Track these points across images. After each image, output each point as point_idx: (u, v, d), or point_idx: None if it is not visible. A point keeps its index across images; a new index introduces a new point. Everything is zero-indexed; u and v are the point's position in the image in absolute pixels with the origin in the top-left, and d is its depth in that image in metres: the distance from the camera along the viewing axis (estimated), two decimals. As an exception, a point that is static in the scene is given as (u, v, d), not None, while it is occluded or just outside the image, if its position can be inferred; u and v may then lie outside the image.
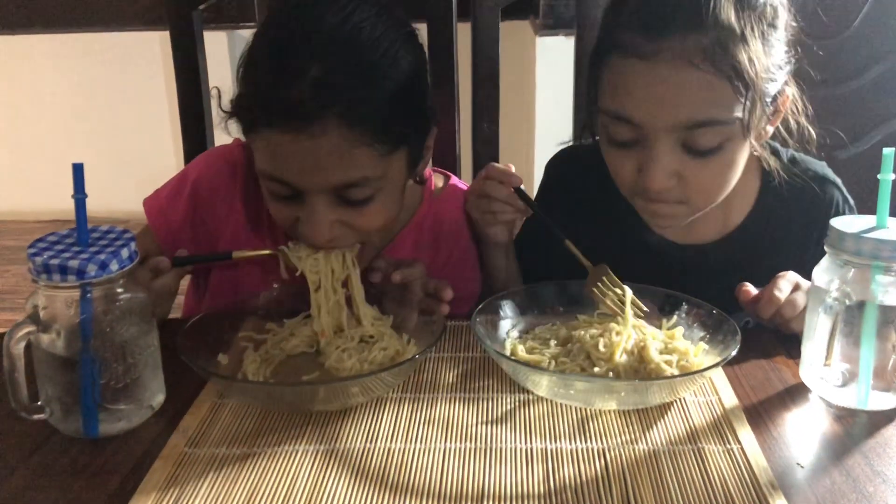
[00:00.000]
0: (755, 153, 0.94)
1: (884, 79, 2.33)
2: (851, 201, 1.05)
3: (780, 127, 0.97)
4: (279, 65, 0.83)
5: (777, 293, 0.88)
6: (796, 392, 0.83)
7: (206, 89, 1.44)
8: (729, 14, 0.83)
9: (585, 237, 0.96)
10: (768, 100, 0.89)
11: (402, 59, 0.87)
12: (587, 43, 1.45)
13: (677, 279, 0.95)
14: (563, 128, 1.48)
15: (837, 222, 0.79)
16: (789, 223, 1.03)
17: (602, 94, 0.91)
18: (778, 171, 1.00)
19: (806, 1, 2.29)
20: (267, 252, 0.92)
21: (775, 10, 0.87)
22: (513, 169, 1.00)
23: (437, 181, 1.13)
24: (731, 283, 0.92)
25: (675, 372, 0.81)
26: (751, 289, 0.90)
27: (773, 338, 0.94)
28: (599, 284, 0.91)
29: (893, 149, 0.77)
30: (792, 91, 0.94)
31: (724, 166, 0.90)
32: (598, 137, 0.98)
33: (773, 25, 0.87)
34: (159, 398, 0.81)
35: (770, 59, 0.87)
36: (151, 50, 3.24)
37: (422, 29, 1.32)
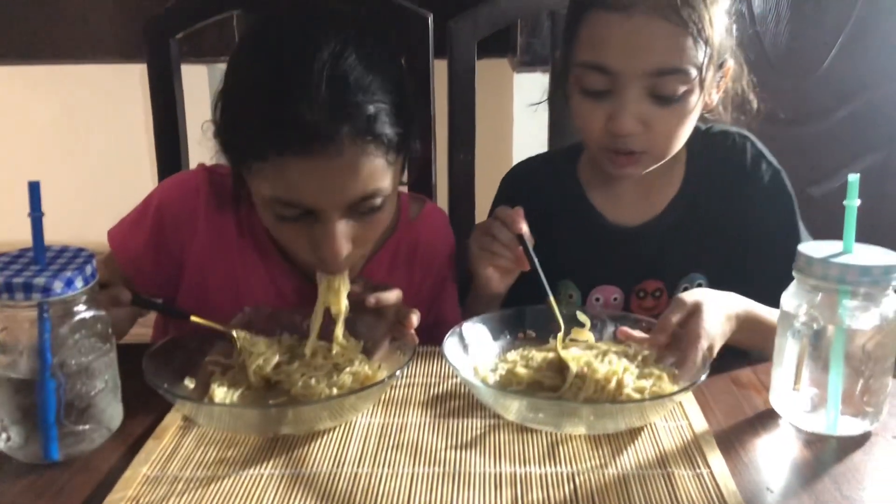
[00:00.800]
0: (706, 114, 1.06)
1: (853, 117, 2.38)
2: (773, 160, 1.14)
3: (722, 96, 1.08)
4: (287, 91, 0.83)
5: (665, 324, 0.89)
6: (766, 417, 0.83)
7: (183, 120, 1.44)
8: None
9: (543, 239, 1.00)
10: (718, 63, 1.01)
11: (395, 70, 0.90)
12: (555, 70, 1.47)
13: (632, 259, 1.06)
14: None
15: (805, 248, 0.80)
16: (716, 178, 1.13)
17: (578, 48, 1.01)
18: (699, 136, 1.11)
19: (777, 42, 2.35)
20: (222, 328, 0.90)
21: None
22: (522, 217, 0.99)
23: (414, 204, 1.14)
24: (684, 246, 1.08)
25: (646, 397, 0.80)
26: (629, 331, 0.93)
27: (744, 363, 0.94)
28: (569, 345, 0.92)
29: (858, 175, 0.79)
30: (733, 62, 1.05)
31: (683, 116, 1.00)
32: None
33: None
34: (117, 420, 0.80)
35: (722, 26, 0.99)
36: (131, 81, 3.24)
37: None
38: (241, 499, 0.69)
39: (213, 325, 0.90)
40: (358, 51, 0.85)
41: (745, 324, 0.93)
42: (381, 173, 0.87)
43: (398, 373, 0.81)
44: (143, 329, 1.06)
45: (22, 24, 3.24)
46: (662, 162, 1.05)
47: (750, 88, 1.09)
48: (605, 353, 0.87)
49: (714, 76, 1.01)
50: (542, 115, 1.52)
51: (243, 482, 0.71)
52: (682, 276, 1.11)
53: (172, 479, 0.72)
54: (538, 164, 1.23)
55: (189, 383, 0.86)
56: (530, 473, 0.72)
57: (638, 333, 0.92)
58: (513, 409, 0.78)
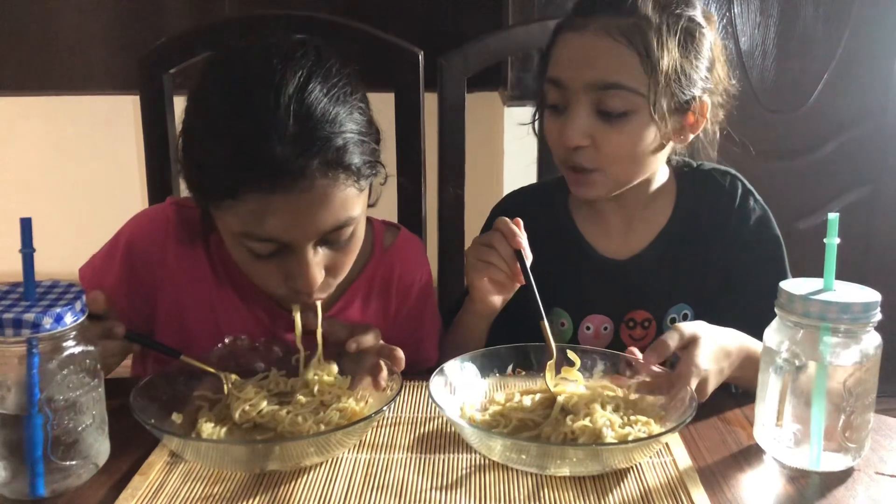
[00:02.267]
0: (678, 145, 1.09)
1: (840, 152, 2.41)
2: (760, 199, 1.16)
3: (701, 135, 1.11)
4: (254, 128, 0.83)
5: (661, 347, 0.89)
6: (750, 453, 0.84)
7: (175, 153, 1.46)
8: (647, 8, 1.01)
9: (534, 267, 1.00)
10: (682, 96, 1.03)
11: (357, 95, 0.91)
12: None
13: (620, 291, 1.09)
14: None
15: (787, 285, 0.81)
16: (704, 217, 1.14)
17: (548, 69, 1.07)
18: (688, 173, 1.16)
19: (764, 77, 2.38)
20: (212, 370, 0.91)
21: (700, 28, 1.04)
22: (522, 231, 1.01)
23: (388, 233, 1.15)
24: (670, 279, 1.11)
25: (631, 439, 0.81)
26: (636, 353, 0.94)
27: (729, 398, 0.95)
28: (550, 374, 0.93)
29: (837, 214, 0.80)
30: (710, 101, 1.07)
31: (631, 135, 1.03)
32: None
33: (692, 36, 1.03)
34: (104, 456, 0.80)
35: (686, 62, 1.02)
36: (124, 112, 3.26)
37: (389, 98, 1.36)
38: (226, 536, 0.69)
39: (202, 365, 0.90)
40: (322, 82, 0.86)
41: (744, 361, 0.94)
42: (352, 202, 0.89)
43: (384, 409, 0.81)
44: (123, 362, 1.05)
45: (15, 55, 3.26)
46: (625, 188, 1.08)
47: (718, 128, 1.12)
48: (590, 401, 0.87)
49: (674, 110, 1.03)
50: (532, 149, 1.54)
51: (229, 519, 0.71)
52: (669, 307, 1.13)
53: (158, 516, 0.72)
54: (529, 194, 1.26)
55: (176, 418, 0.86)
56: (515, 510, 0.72)
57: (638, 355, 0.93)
58: (496, 449, 0.79)
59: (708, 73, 1.06)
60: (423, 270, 1.17)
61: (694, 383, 0.86)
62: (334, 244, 0.91)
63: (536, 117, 1.17)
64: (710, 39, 1.06)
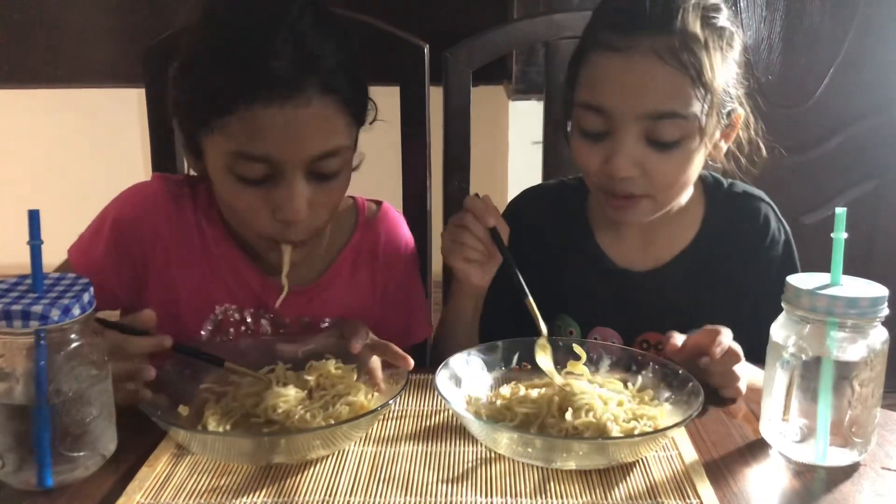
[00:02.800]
0: (710, 162, 1.05)
1: (845, 147, 2.40)
2: (785, 224, 1.13)
3: (732, 146, 1.08)
4: (256, 45, 0.88)
5: (721, 334, 0.90)
6: (756, 448, 0.84)
7: (179, 145, 1.46)
8: (695, 24, 0.95)
9: (543, 270, 0.99)
10: (724, 111, 0.99)
11: (353, 39, 0.96)
12: (555, 106, 1.49)
13: (633, 304, 1.04)
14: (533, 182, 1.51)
15: (794, 280, 0.81)
16: (730, 242, 1.10)
17: (579, 89, 1.01)
18: (719, 194, 1.11)
19: (769, 71, 2.38)
20: (257, 375, 0.90)
21: (732, 34, 1.00)
22: (493, 206, 1.01)
23: (371, 206, 1.16)
24: (685, 301, 1.05)
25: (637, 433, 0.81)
26: (677, 340, 0.93)
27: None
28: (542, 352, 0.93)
29: (845, 209, 0.80)
30: (744, 112, 1.04)
31: (682, 163, 0.99)
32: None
33: (730, 45, 0.99)
34: (111, 447, 0.80)
35: (727, 74, 0.98)
36: (129, 105, 3.26)
37: (394, 91, 1.36)
38: (233, 527, 0.69)
39: (247, 371, 0.90)
40: (318, 15, 0.93)
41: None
42: (342, 131, 0.93)
43: (391, 402, 0.81)
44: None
45: (21, 47, 3.26)
46: (666, 209, 1.04)
47: (760, 136, 1.08)
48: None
49: (718, 124, 1.00)
50: (538, 143, 1.54)
51: (236, 511, 0.72)
52: (682, 329, 1.02)
53: (165, 508, 0.72)
54: (548, 193, 1.22)
55: (183, 411, 0.86)
56: (521, 504, 0.73)
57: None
58: (502, 442, 0.79)
59: (741, 81, 1.02)
60: (407, 242, 1.18)
61: (728, 336, 0.88)
62: (320, 180, 0.93)
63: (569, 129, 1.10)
64: (741, 44, 1.02)
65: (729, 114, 1.01)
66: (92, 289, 0.78)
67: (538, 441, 0.77)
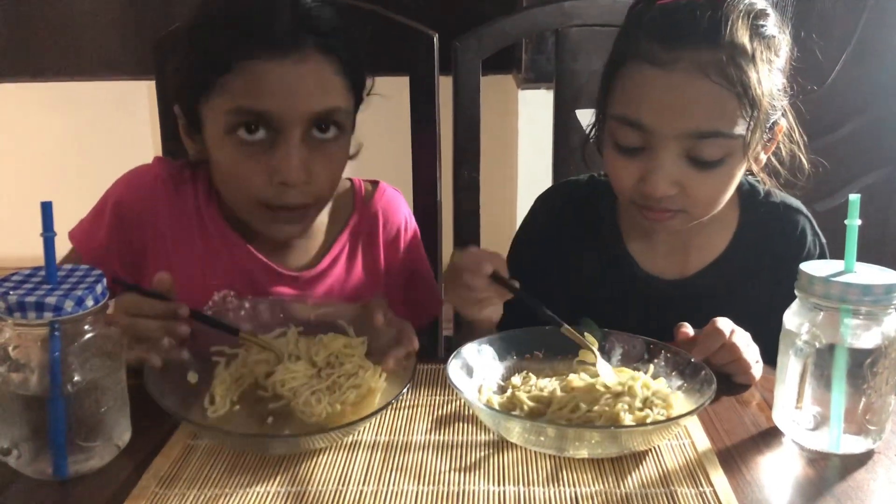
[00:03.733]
0: (748, 177, 1.01)
1: (857, 134, 2.39)
2: (822, 238, 1.09)
3: (772, 157, 1.04)
4: (254, 6, 0.92)
5: (719, 333, 0.90)
6: (769, 435, 0.84)
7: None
8: (743, 36, 0.90)
9: (570, 271, 0.97)
10: (768, 125, 0.95)
11: (354, 17, 1.00)
12: (565, 96, 1.49)
13: (659, 313, 0.98)
14: (544, 176, 1.50)
15: (807, 266, 0.81)
16: (764, 254, 1.06)
17: (614, 100, 0.97)
18: (755, 202, 1.06)
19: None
20: (269, 347, 0.89)
21: (780, 42, 0.95)
22: (487, 254, 0.97)
23: (368, 187, 1.17)
24: (713, 313, 0.93)
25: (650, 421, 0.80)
26: (689, 330, 0.92)
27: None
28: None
29: (859, 195, 0.79)
30: (786, 122, 1.00)
31: (723, 181, 0.95)
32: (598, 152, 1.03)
33: (777, 54, 0.94)
34: (126, 436, 0.81)
35: (773, 85, 0.94)
36: (139, 98, 3.27)
37: (404, 82, 1.36)
38: (247, 516, 0.70)
39: (260, 341, 0.89)
40: None
41: None
42: (339, 92, 0.95)
43: (393, 401, 0.81)
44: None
45: (30, 41, 3.27)
46: (701, 219, 1.01)
47: (802, 151, 1.04)
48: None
49: (761, 138, 0.95)
50: (547, 132, 1.54)
51: (250, 500, 0.72)
52: None
53: (181, 498, 0.72)
54: (579, 191, 1.17)
55: (192, 378, 0.86)
56: (534, 494, 0.73)
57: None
58: (514, 431, 0.79)
59: (786, 90, 0.98)
60: (409, 221, 1.18)
61: (725, 329, 0.88)
62: (319, 143, 0.95)
63: (593, 134, 1.07)
64: (787, 51, 0.97)
65: (772, 126, 0.97)
66: (105, 280, 0.78)
67: (550, 430, 0.77)
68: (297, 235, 1.05)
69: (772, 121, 0.96)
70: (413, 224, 1.19)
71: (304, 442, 0.77)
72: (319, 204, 1.02)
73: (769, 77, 0.93)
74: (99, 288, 0.77)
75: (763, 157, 1.01)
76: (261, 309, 0.97)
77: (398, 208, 1.18)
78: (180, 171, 1.07)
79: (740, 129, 0.91)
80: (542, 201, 1.19)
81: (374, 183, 1.18)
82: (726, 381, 0.91)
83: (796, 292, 0.81)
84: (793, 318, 0.81)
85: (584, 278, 1.04)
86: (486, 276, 0.93)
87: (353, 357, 0.88)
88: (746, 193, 1.08)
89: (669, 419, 0.79)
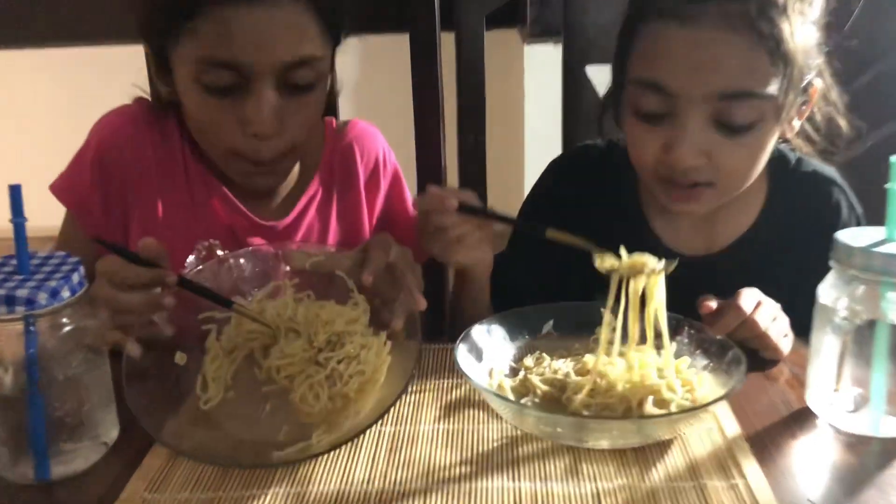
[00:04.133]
0: (778, 144, 0.92)
1: (876, 83, 2.29)
2: (859, 209, 1.01)
3: (806, 123, 0.95)
4: None
5: (738, 310, 0.83)
6: (802, 417, 0.78)
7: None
8: None
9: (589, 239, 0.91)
10: (802, 85, 0.87)
11: None
12: (575, 51, 1.40)
13: (683, 292, 0.89)
14: (552, 136, 1.43)
15: (844, 235, 0.74)
16: (795, 230, 0.99)
17: (633, 63, 0.89)
18: (785, 172, 0.97)
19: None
20: (264, 322, 0.80)
21: None
22: (450, 192, 0.90)
23: (339, 124, 1.10)
24: (744, 287, 0.86)
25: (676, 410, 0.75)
26: (712, 303, 0.86)
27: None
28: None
29: (899, 156, 0.72)
30: (821, 82, 0.91)
31: (755, 148, 0.87)
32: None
33: (811, 5, 0.86)
34: (113, 434, 0.75)
35: (807, 40, 0.85)
36: (136, 63, 3.19)
37: (403, 39, 1.28)
38: (243, 522, 0.65)
39: (254, 316, 0.81)
40: None
41: None
42: (314, 39, 0.89)
43: (394, 404, 0.75)
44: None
45: (25, 7, 3.18)
46: (730, 197, 0.94)
47: (841, 113, 0.95)
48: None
49: (795, 100, 0.88)
50: (555, 89, 1.46)
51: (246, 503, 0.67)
52: None
53: (172, 502, 0.67)
54: (597, 157, 1.08)
55: (180, 360, 0.80)
56: (551, 491, 0.67)
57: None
58: (529, 422, 0.73)
59: (822, 46, 0.88)
60: (387, 155, 1.11)
61: (749, 303, 0.81)
62: (294, 91, 0.89)
63: (609, 100, 0.97)
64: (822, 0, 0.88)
65: (805, 88, 0.89)
66: (82, 268, 0.72)
67: (566, 422, 0.72)
68: (274, 186, 1.01)
69: (806, 80, 0.88)
70: (393, 160, 1.12)
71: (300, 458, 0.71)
72: (295, 152, 0.97)
73: (803, 30, 0.84)
74: (76, 277, 0.71)
75: (797, 124, 0.92)
76: (250, 260, 0.89)
77: (374, 140, 1.10)
78: (164, 111, 1.00)
79: (773, 88, 0.83)
80: (554, 168, 1.12)
81: (346, 121, 1.12)
82: (752, 355, 0.85)
83: (832, 264, 0.75)
84: (829, 292, 0.75)
85: (601, 246, 0.95)
86: (453, 211, 0.87)
87: (355, 335, 0.79)
88: (776, 162, 0.98)
89: (696, 407, 0.73)
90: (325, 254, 0.87)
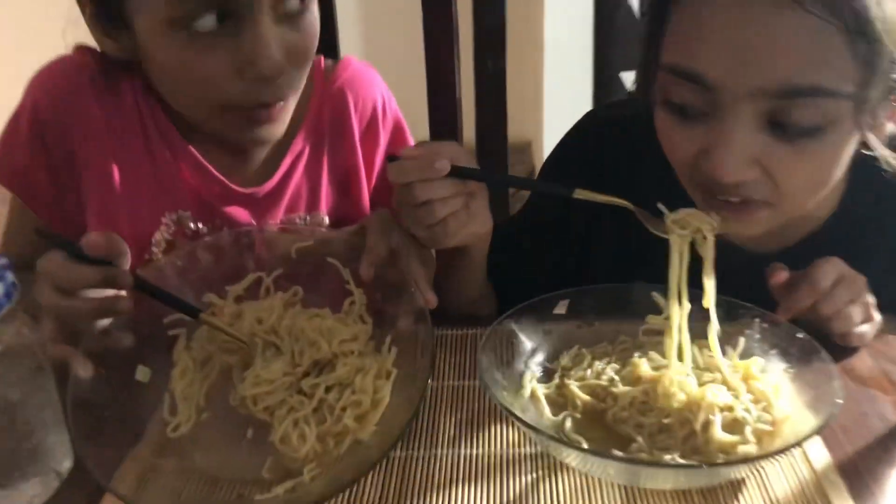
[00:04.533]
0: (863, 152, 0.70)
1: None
2: None
3: None
4: None
5: (813, 283, 0.69)
6: (902, 433, 0.64)
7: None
8: None
9: (617, 233, 0.74)
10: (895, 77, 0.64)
11: None
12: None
13: (741, 288, 0.72)
14: (575, 63, 1.24)
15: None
16: (873, 232, 0.80)
17: (667, 46, 0.68)
18: (868, 165, 0.73)
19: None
20: (240, 338, 0.67)
21: None
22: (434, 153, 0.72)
23: (329, 63, 0.92)
24: None
25: (752, 439, 0.60)
26: (783, 273, 0.71)
27: (864, 351, 0.74)
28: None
29: None
30: None
31: (824, 160, 0.66)
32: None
33: None
34: (66, 464, 0.63)
35: None
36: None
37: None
38: None
39: (227, 330, 0.67)
40: None
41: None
42: None
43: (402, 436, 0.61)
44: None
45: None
46: (796, 215, 0.75)
47: None
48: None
49: (885, 96, 0.65)
50: (583, 8, 1.27)
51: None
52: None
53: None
54: (633, 121, 0.82)
55: (143, 377, 0.66)
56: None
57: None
58: (572, 460, 0.60)
59: None
60: (387, 102, 0.93)
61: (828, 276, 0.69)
62: (288, 17, 0.74)
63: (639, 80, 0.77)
64: None
65: None
66: (10, 274, 0.57)
67: (618, 466, 0.58)
68: (278, 135, 0.82)
69: None
70: (394, 107, 0.94)
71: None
72: (296, 94, 0.80)
73: None
74: (2, 287, 0.56)
75: (889, 126, 0.69)
76: (223, 243, 0.75)
77: (370, 84, 0.92)
78: (113, 62, 0.81)
79: (849, 84, 0.62)
80: (578, 134, 0.91)
81: (336, 59, 0.94)
82: (835, 349, 0.70)
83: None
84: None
85: (625, 236, 0.78)
86: (442, 178, 0.69)
87: (350, 355, 0.65)
88: (856, 156, 0.72)
89: (784, 448, 0.56)
90: (314, 236, 0.73)
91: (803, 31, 0.60)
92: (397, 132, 0.93)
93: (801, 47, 0.61)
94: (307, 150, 0.88)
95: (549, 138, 2.81)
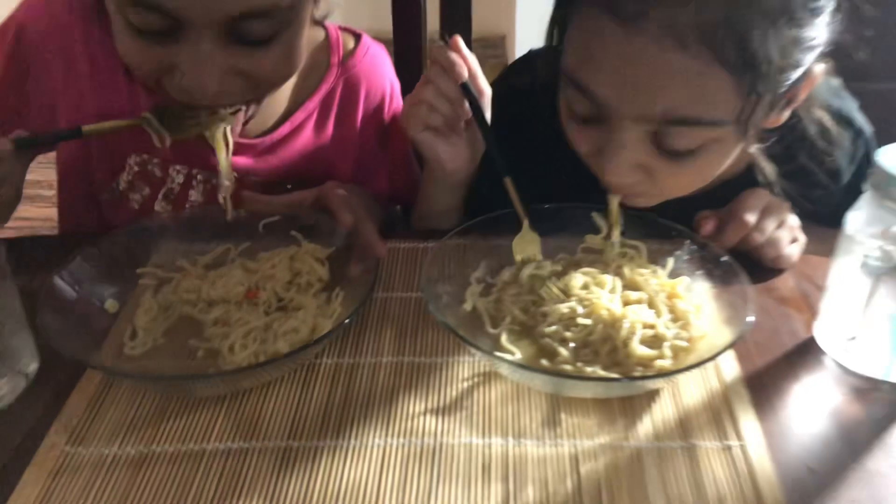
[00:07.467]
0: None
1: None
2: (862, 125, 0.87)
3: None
4: None
5: (741, 222, 0.74)
6: (809, 353, 0.69)
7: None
8: None
9: (533, 171, 0.78)
10: (781, 90, 0.66)
11: None
12: None
13: (680, 216, 0.77)
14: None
15: (885, 158, 0.62)
16: (794, 172, 0.82)
17: (566, 49, 0.70)
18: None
19: None
20: (126, 123, 0.72)
21: None
22: (467, 58, 0.77)
23: (347, 42, 0.93)
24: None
25: (669, 354, 0.66)
26: (710, 222, 0.76)
27: (788, 273, 0.79)
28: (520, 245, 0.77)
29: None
30: (821, 67, 0.69)
31: (706, 167, 0.71)
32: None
33: None
34: (33, 366, 0.67)
35: (796, 32, 0.62)
36: None
37: None
38: (179, 486, 0.57)
39: (112, 124, 0.72)
40: None
41: None
42: None
43: (325, 338, 0.65)
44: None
45: None
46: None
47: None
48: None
49: (774, 108, 0.69)
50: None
51: (183, 462, 0.59)
52: None
53: (98, 461, 0.59)
54: (526, 90, 0.85)
55: (111, 307, 0.72)
56: (525, 451, 0.60)
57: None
58: (504, 370, 0.65)
59: (827, 27, 0.65)
60: (394, 87, 0.97)
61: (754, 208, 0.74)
62: (245, 47, 0.69)
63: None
64: None
65: (798, 80, 0.67)
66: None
67: (544, 379, 0.63)
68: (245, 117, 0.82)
69: (788, 83, 0.66)
70: (398, 92, 0.97)
71: (232, 382, 0.64)
72: (261, 97, 0.79)
73: (785, 29, 0.61)
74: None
75: (784, 116, 0.72)
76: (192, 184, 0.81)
77: (382, 71, 0.95)
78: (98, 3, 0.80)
79: (731, 111, 0.64)
80: (504, 82, 0.91)
81: (356, 36, 0.94)
82: (748, 260, 0.75)
83: (869, 191, 0.63)
84: (860, 224, 0.64)
85: (549, 183, 0.80)
86: (455, 84, 0.75)
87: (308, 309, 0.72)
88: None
89: (701, 363, 0.61)
90: (272, 205, 0.79)
91: (688, 72, 0.62)
92: (396, 110, 0.96)
93: (683, 85, 0.62)
94: (314, 118, 0.91)
95: (522, 32, 2.79)
